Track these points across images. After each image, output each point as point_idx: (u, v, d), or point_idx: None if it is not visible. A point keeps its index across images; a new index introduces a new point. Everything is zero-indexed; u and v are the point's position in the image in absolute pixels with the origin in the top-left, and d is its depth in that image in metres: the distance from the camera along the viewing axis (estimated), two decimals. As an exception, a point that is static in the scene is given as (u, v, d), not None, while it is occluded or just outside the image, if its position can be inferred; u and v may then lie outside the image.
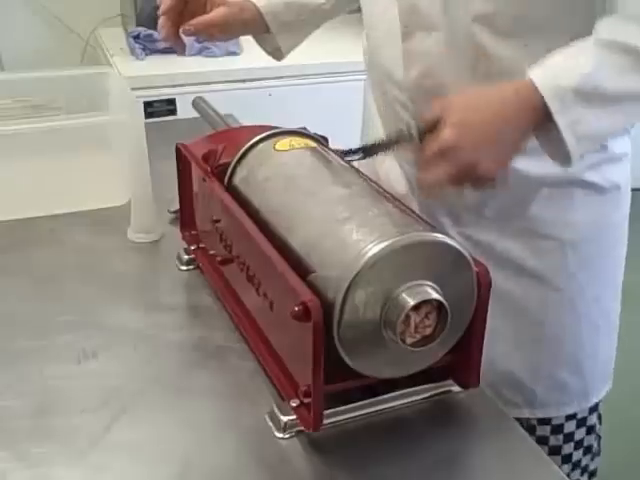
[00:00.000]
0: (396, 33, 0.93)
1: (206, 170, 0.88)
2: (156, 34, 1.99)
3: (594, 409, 1.11)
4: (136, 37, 1.99)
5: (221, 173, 0.88)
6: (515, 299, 0.99)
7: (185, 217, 0.99)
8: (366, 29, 1.04)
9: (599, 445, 1.17)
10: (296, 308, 0.64)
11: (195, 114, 1.45)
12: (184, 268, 0.98)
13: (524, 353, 1.02)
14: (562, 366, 1.03)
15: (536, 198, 0.96)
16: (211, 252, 0.93)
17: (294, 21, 1.13)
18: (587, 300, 1.01)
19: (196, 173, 0.93)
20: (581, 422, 1.10)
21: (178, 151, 0.96)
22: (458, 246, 0.67)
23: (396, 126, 0.99)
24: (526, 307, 1.00)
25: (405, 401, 0.74)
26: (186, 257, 0.99)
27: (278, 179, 0.81)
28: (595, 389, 1.08)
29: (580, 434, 1.10)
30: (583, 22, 0.81)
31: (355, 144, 0.97)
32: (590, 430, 1.12)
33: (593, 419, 1.11)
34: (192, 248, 0.98)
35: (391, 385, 0.74)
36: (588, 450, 1.13)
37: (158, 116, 1.81)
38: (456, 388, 0.75)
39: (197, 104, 1.20)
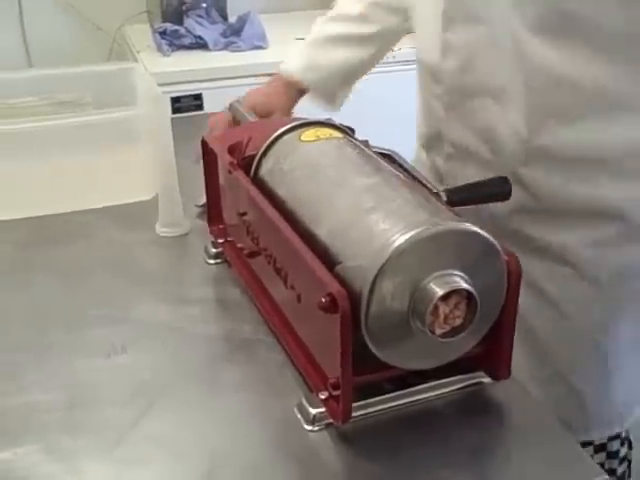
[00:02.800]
0: (438, 23, 0.93)
1: (232, 162, 0.88)
2: (182, 29, 1.99)
3: (614, 437, 1.06)
4: (162, 33, 2.00)
5: (247, 165, 0.88)
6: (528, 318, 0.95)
7: (212, 211, 0.99)
8: (413, 22, 1.04)
9: (629, 468, 1.12)
10: (323, 299, 0.63)
11: (221, 108, 1.45)
12: (212, 262, 0.98)
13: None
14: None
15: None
16: (238, 245, 0.92)
17: (340, 85, 1.17)
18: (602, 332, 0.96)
19: (222, 166, 0.93)
20: (599, 448, 1.05)
21: (204, 144, 0.96)
22: (487, 235, 0.66)
23: (430, 120, 0.99)
24: (538, 326, 0.96)
25: (435, 393, 0.73)
26: (214, 251, 0.98)
27: (304, 170, 0.81)
28: (607, 422, 1.02)
29: (600, 458, 1.06)
30: None
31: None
32: (612, 455, 1.07)
33: (615, 445, 1.06)
34: (219, 241, 0.97)
35: (421, 376, 0.73)
36: (611, 473, 1.08)
37: (185, 111, 1.81)
38: (487, 379, 0.74)
39: (233, 107, 1.20)
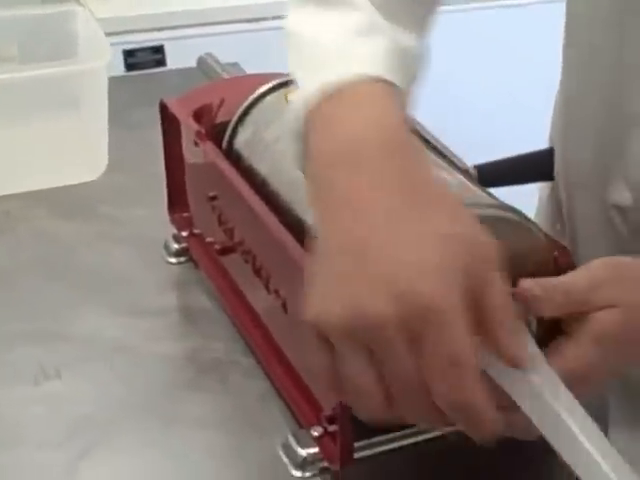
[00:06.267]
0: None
1: (199, 131, 0.88)
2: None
3: None
4: (113, -32, 2.00)
5: (218, 135, 0.88)
6: None
7: (174, 195, 0.99)
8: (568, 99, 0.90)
9: None
10: (315, 307, 0.63)
11: (189, 63, 1.46)
12: (173, 261, 0.98)
13: None
14: None
15: None
16: (207, 239, 0.92)
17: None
18: None
19: (186, 136, 0.93)
20: None
21: (163, 108, 0.96)
22: (530, 223, 0.65)
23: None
24: None
25: (455, 428, 0.73)
26: (176, 247, 0.99)
27: (291, 140, 0.81)
28: None
29: None
30: None
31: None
32: None
33: None
34: (183, 235, 0.97)
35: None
36: None
37: (142, 68, 1.82)
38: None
39: (203, 62, 1.20)
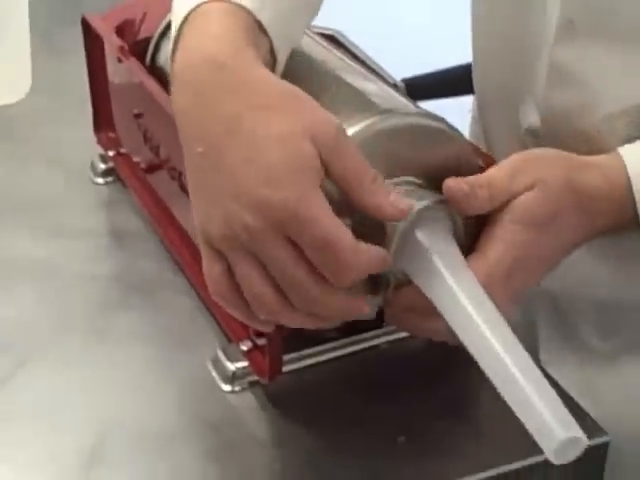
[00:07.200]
0: (542, 29, 0.79)
1: (122, 47, 0.87)
2: None
3: None
4: None
5: (142, 51, 0.87)
6: None
7: (99, 114, 0.97)
8: (476, 20, 0.90)
9: None
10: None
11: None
12: (101, 181, 0.98)
13: None
14: None
15: None
16: (135, 159, 0.92)
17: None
18: None
19: (110, 53, 0.91)
20: None
21: (86, 25, 0.94)
22: (457, 133, 0.65)
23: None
24: None
25: (388, 339, 0.74)
26: (103, 166, 0.98)
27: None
28: None
29: None
30: None
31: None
32: None
33: None
34: (110, 154, 0.97)
35: (374, 319, 0.73)
36: None
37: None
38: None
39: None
